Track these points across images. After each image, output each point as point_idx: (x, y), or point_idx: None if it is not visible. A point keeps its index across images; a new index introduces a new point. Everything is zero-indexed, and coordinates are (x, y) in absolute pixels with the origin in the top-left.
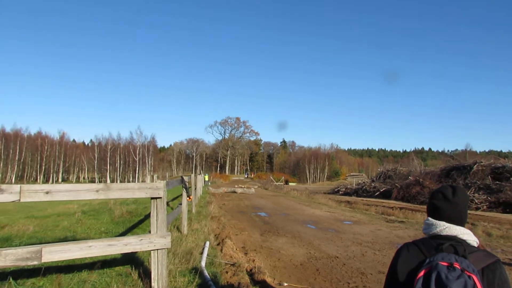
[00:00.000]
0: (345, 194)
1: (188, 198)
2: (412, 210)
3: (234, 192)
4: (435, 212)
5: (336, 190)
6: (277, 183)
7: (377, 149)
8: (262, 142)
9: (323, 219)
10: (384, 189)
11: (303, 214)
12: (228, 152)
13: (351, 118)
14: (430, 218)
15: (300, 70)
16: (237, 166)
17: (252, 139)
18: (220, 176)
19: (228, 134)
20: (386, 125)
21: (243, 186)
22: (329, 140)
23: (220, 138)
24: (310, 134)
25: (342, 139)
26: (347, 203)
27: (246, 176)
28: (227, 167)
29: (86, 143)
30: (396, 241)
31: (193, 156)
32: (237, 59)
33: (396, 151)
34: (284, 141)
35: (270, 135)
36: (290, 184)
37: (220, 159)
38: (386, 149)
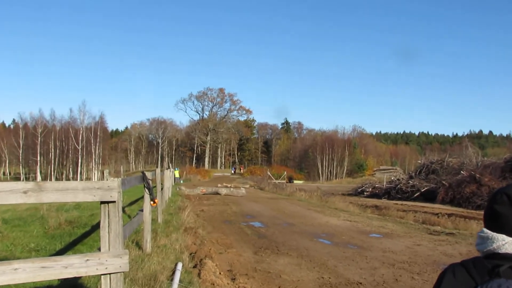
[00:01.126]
0: (372, 195)
1: (152, 203)
2: (465, 218)
3: (217, 193)
4: (495, 221)
5: (359, 190)
6: (277, 181)
7: (416, 133)
8: (256, 124)
9: (341, 230)
10: (426, 188)
11: (314, 224)
12: (208, 138)
13: (380, 91)
14: (485, 229)
15: (308, 33)
16: (221, 158)
17: (242, 119)
18: (197, 172)
19: (208, 113)
20: (429, 100)
21: (229, 185)
22: (349, 122)
23: (196, 118)
24: (322, 114)
25: (368, 120)
26: (374, 208)
27: (233, 171)
28: (206, 159)
29: (7, 125)
30: (442, 260)
31: (158, 143)
32: (222, 16)
33: (444, 135)
34: (286, 123)
35: (267, 115)
36: (295, 182)
37: (197, 147)
38: (430, 133)
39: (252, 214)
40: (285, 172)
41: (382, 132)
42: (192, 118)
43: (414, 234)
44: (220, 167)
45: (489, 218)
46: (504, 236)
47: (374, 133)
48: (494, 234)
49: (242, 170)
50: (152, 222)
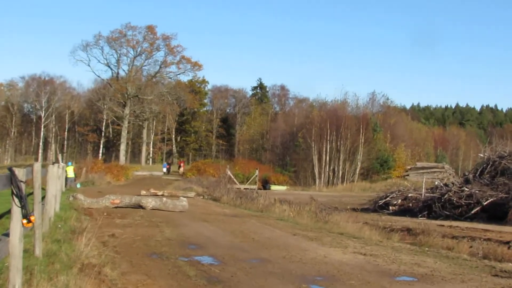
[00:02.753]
0: (403, 211)
1: (25, 222)
2: None
3: (140, 206)
4: None
5: (381, 202)
6: (243, 187)
7: (478, 108)
8: (210, 88)
9: (348, 271)
10: (491, 200)
11: (303, 260)
12: (127, 111)
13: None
14: None
15: None
16: (148, 145)
17: (185, 79)
18: (106, 169)
19: (127, 67)
20: (495, 58)
21: (160, 193)
22: (366, 88)
23: (107, 76)
24: (324, 76)
25: (399, 86)
26: (406, 232)
27: (166, 169)
28: (123, 147)
29: None
30: None
31: (40, 117)
32: None
33: None
34: (261, 86)
35: (228, 76)
36: (273, 188)
37: (107, 126)
38: (499, 108)
39: (199, 243)
40: (257, 172)
41: (422, 105)
42: (99, 77)
43: (470, 277)
44: (147, 162)
45: None
46: None
47: (408, 107)
48: None
49: (183, 168)
50: (25, 255)
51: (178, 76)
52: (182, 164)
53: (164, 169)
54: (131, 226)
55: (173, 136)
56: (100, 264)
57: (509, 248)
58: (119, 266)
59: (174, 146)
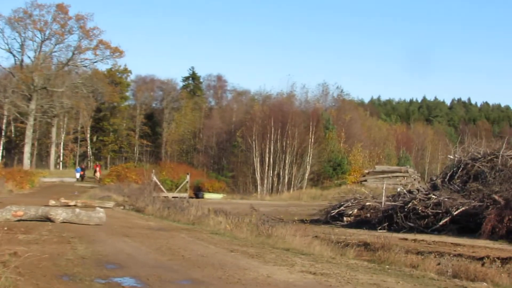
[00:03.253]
0: (359, 223)
1: None
2: None
3: (48, 219)
4: None
5: (334, 213)
6: (171, 195)
7: (448, 102)
8: (133, 78)
9: None
10: (462, 209)
11: (242, 282)
12: (33, 105)
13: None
14: None
15: None
16: (58, 147)
17: (102, 68)
18: (8, 174)
19: (33, 53)
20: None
21: (73, 203)
22: (317, 79)
23: (9, 64)
24: (267, 66)
25: (355, 77)
26: (363, 248)
27: (80, 174)
28: (27, 149)
29: None
30: None
31: None
32: None
33: (499, 106)
34: (194, 77)
35: (153, 63)
36: (207, 196)
37: (8, 124)
38: (473, 102)
39: (119, 262)
40: (188, 177)
41: (382, 99)
42: None
43: None
44: (56, 167)
45: None
46: None
47: (366, 101)
48: None
49: (99, 173)
50: None
51: (94, 64)
52: (98, 169)
53: (77, 175)
54: (37, 243)
55: (88, 135)
56: None
57: (483, 265)
58: None
59: (89, 147)
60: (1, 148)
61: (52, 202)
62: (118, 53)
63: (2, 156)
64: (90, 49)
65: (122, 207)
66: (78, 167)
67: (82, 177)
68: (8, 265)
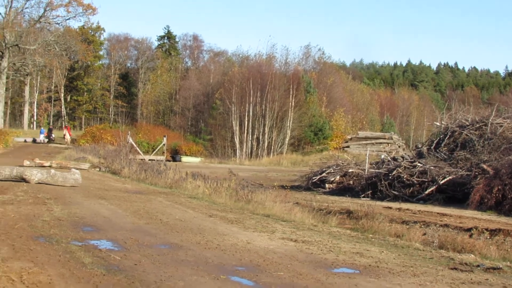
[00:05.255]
0: (342, 190)
1: None
2: None
3: (22, 179)
4: None
5: (315, 179)
6: (148, 158)
7: (434, 66)
8: (107, 37)
9: (276, 260)
10: (449, 178)
11: (221, 247)
12: (5, 63)
13: None
14: None
15: None
16: (32, 106)
17: (75, 25)
18: None
19: (4, 10)
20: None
21: (47, 164)
22: (299, 41)
23: None
24: (245, 24)
25: (336, 39)
26: (345, 215)
27: (44, 136)
28: (0, 108)
29: None
30: None
31: None
32: None
33: (488, 72)
34: (169, 36)
35: (127, 21)
36: (185, 160)
37: None
38: (460, 67)
39: (95, 224)
40: (165, 139)
41: (365, 62)
42: None
43: (423, 270)
44: (30, 126)
45: None
46: None
47: (348, 64)
48: None
49: (69, 134)
50: None
51: (67, 21)
52: (68, 130)
53: (41, 137)
54: (12, 203)
55: (62, 95)
56: None
57: (470, 236)
58: None
59: (63, 107)
60: None
61: (26, 162)
62: (90, 10)
63: None
64: (62, 5)
65: (97, 169)
66: (42, 128)
67: (49, 138)
68: None
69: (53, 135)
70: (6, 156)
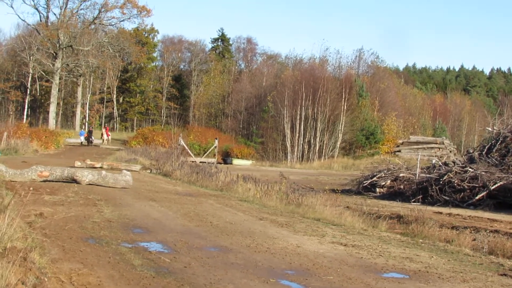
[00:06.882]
0: (393, 195)
1: None
2: None
3: (73, 180)
4: None
5: (366, 183)
6: (199, 160)
7: (487, 71)
8: (159, 39)
9: (326, 264)
10: (500, 183)
11: (271, 250)
12: (58, 64)
13: None
14: None
15: None
16: (84, 107)
17: (129, 27)
18: (33, 134)
19: (58, 11)
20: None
21: (98, 165)
22: (352, 45)
23: (34, 20)
24: (299, 28)
25: (390, 43)
26: (396, 220)
27: (84, 137)
28: (52, 109)
29: None
30: None
31: None
32: None
33: None
34: (223, 38)
35: (181, 23)
36: (236, 162)
37: (33, 83)
38: None
39: (145, 226)
40: (217, 142)
41: (418, 67)
42: (24, 21)
43: (472, 276)
44: (82, 127)
45: None
46: None
47: (401, 68)
48: None
49: (106, 136)
50: None
51: (121, 23)
52: (106, 131)
53: (82, 138)
54: (63, 204)
55: (114, 96)
56: (26, 249)
57: None
58: (49, 251)
59: (115, 108)
60: (26, 107)
61: (78, 163)
62: (145, 12)
63: (27, 115)
64: (117, 7)
65: (148, 171)
66: (82, 130)
67: (88, 140)
68: (34, 226)
69: (92, 137)
70: (57, 157)
